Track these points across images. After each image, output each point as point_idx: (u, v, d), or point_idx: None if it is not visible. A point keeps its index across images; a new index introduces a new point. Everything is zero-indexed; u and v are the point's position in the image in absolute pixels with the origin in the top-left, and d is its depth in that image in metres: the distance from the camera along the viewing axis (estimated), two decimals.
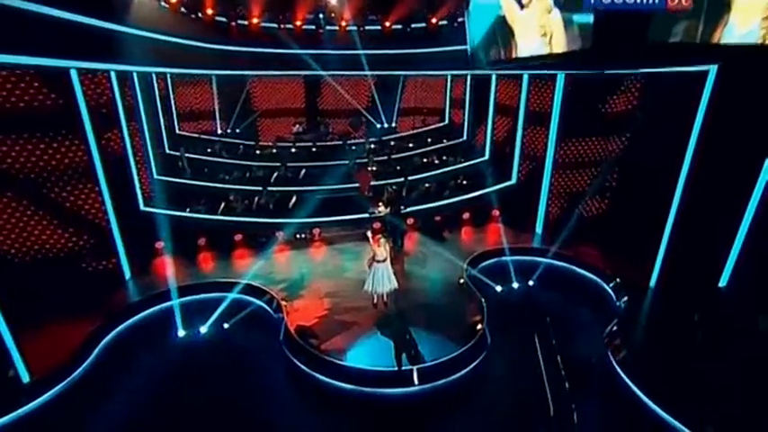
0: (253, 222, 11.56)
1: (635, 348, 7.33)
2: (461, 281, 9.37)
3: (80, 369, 7.20)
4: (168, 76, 14.97)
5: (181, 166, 13.29)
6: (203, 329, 8.40)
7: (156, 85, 13.47)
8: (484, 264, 10.34)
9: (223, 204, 11.83)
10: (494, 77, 13.63)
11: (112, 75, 9.35)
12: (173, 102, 15.48)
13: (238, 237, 11.31)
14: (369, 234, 8.41)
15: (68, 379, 6.99)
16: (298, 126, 17.19)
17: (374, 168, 14.31)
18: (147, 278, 9.77)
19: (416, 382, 6.70)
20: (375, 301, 8.60)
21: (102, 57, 8.23)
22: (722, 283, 8.07)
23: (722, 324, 7.48)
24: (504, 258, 10.61)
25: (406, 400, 6.69)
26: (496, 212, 12.69)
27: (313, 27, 13.95)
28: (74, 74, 7.91)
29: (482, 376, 7.16)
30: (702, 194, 8.12)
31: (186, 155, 13.63)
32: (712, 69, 7.41)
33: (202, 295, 9.17)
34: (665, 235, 8.87)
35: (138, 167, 10.93)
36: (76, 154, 8.44)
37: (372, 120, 18.37)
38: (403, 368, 6.85)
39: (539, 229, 12.02)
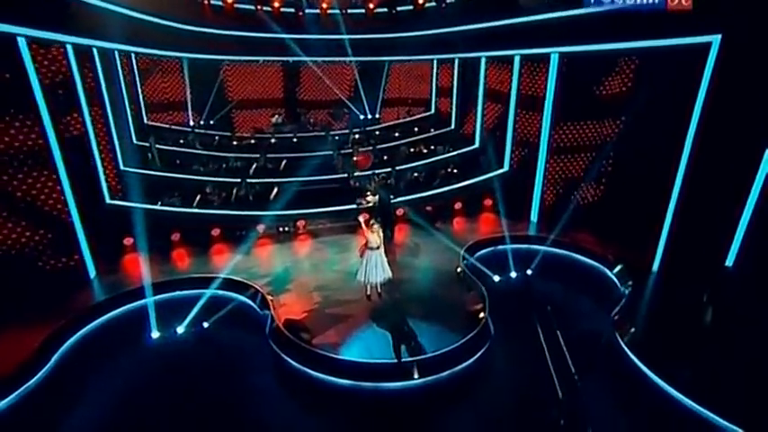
0: (232, 215, 10.97)
1: (644, 330, 7.27)
2: (459, 270, 9.08)
3: (36, 377, 6.50)
4: (134, 61, 14.18)
5: (150, 158, 12.57)
6: (180, 330, 7.81)
7: (120, 70, 12.68)
8: (479, 253, 10.10)
9: (199, 197, 11.19)
10: (483, 61, 13.44)
11: (69, 50, 8.60)
12: (140, 90, 14.67)
13: (216, 231, 10.69)
14: (361, 219, 7.98)
15: (22, 388, 6.28)
16: (277, 117, 16.62)
17: (359, 158, 13.90)
18: (115, 277, 9.08)
19: (419, 374, 6.32)
20: (368, 292, 8.20)
21: (54, 25, 7.50)
22: (729, 262, 8.01)
23: (731, 303, 7.44)
24: (500, 247, 10.43)
25: (407, 394, 6.33)
26: (489, 201, 12.48)
27: (292, 10, 13.45)
28: (22, 43, 7.18)
29: (486, 367, 6.91)
30: (706, 173, 8.05)
31: (157, 146, 12.91)
32: (715, 41, 7.33)
33: (178, 293, 8.57)
34: (668, 217, 8.79)
35: (102, 157, 10.20)
36: (29, 136, 7.70)
37: (355, 110, 17.98)
38: (403, 360, 6.45)
39: (534, 217, 11.87)
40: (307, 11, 13.50)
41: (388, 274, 8.01)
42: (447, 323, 7.43)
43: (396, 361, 6.47)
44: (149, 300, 8.24)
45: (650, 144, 9.54)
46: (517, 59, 11.73)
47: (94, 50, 10.09)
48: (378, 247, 7.87)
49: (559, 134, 11.31)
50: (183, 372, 6.86)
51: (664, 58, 9.02)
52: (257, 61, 15.92)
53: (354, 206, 11.22)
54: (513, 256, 9.92)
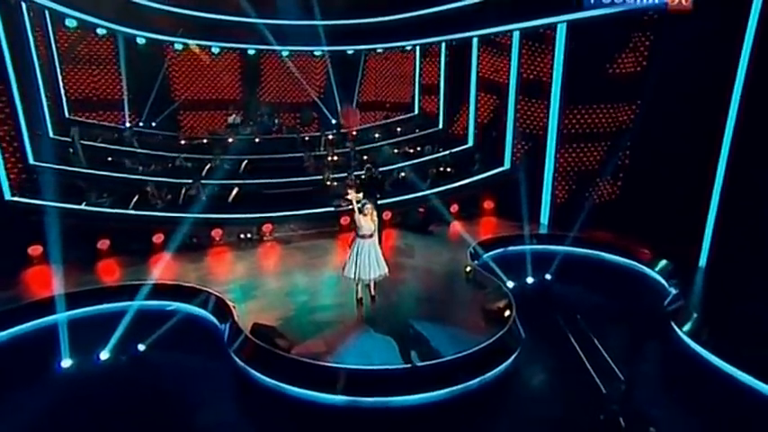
0: (179, 218, 9.84)
1: (710, 322, 7.03)
2: (468, 269, 8.47)
3: None
4: (53, 41, 13.21)
5: (72, 153, 11.46)
6: (104, 355, 6.58)
7: (34, 47, 11.70)
8: (487, 254, 9.61)
9: (137, 197, 10.12)
10: (475, 47, 13.43)
11: None
12: (60, 77, 13.64)
13: (159, 238, 9.57)
14: (350, 196, 7.14)
15: None
16: (234, 116, 15.84)
17: (335, 158, 13.36)
18: (11, 294, 7.76)
19: (437, 382, 5.45)
20: (359, 294, 7.29)
21: None
22: None
23: None
24: (510, 249, 10.08)
25: (427, 410, 5.39)
26: (490, 202, 12.09)
27: None
28: None
29: (521, 372, 6.31)
30: (757, 147, 7.81)
31: (82, 142, 11.84)
32: None
33: (105, 305, 7.44)
34: (713, 205, 8.58)
35: (2, 145, 9.16)
36: None
37: (327, 113, 17.57)
38: (417, 364, 5.53)
39: (544, 218, 11.49)
40: None
41: (384, 270, 7.16)
42: (462, 325, 6.81)
43: (409, 365, 5.51)
44: (60, 316, 6.98)
45: (679, 124, 9.45)
46: (516, 39, 11.72)
47: None
48: (371, 235, 7.05)
49: (570, 121, 11.18)
50: (109, 416, 5.58)
51: (687, 23, 9.09)
52: (209, 49, 15.29)
53: (332, 208, 10.67)
54: (528, 256, 9.47)
